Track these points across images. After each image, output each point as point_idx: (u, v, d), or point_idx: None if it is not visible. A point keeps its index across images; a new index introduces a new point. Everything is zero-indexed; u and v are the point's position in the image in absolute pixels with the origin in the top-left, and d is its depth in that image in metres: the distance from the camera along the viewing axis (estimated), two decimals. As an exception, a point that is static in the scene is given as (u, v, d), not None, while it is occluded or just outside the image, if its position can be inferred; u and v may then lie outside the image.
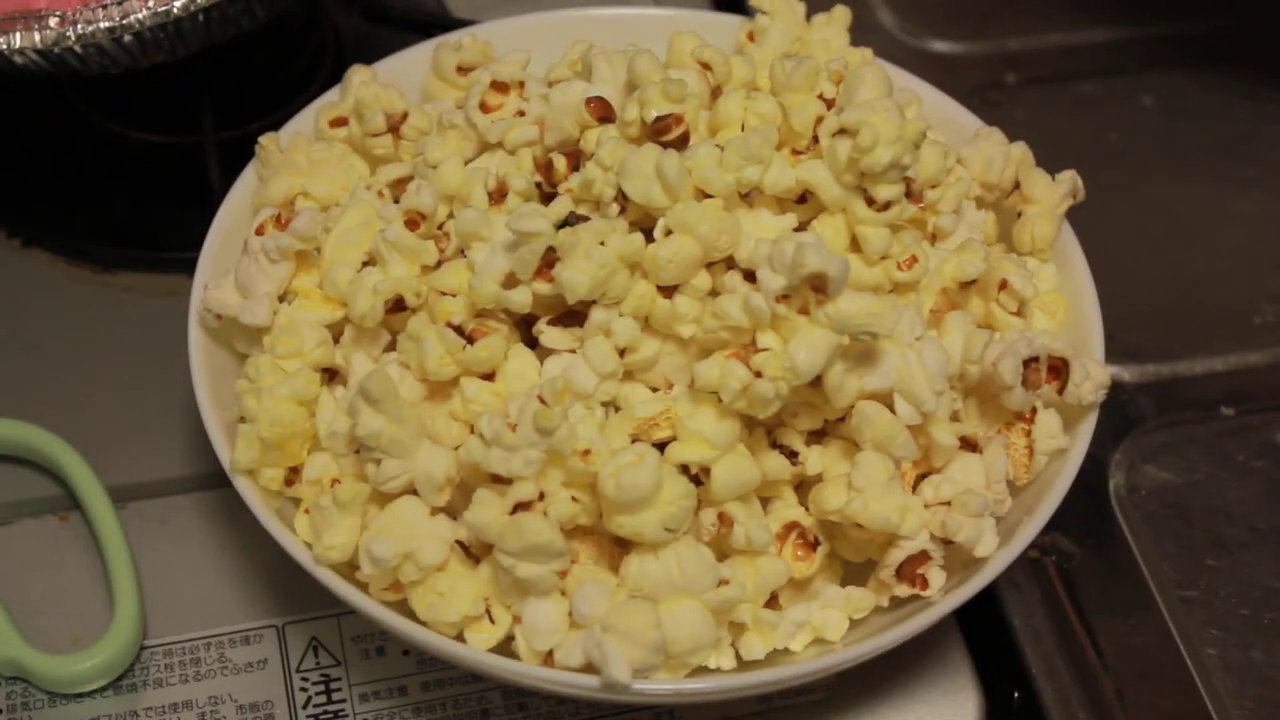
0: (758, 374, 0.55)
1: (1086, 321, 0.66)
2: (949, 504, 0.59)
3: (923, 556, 0.59)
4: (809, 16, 0.73)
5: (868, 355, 0.58)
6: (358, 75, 0.71)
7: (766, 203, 0.62)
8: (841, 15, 0.73)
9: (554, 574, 0.56)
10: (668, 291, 0.59)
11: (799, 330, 0.55)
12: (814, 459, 0.61)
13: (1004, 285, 0.64)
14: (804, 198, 0.62)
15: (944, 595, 0.59)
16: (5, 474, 0.73)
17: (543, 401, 0.55)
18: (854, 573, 0.63)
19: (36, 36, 0.72)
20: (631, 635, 0.54)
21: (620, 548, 0.59)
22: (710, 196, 0.59)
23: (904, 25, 1.00)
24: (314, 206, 0.66)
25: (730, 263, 0.60)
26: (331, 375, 0.64)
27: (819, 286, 0.54)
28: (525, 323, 0.61)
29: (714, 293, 0.60)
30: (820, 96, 0.62)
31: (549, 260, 0.58)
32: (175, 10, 0.72)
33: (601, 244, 0.57)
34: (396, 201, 0.64)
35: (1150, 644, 0.70)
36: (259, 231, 0.64)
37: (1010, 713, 0.69)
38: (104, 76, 0.80)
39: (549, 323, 0.60)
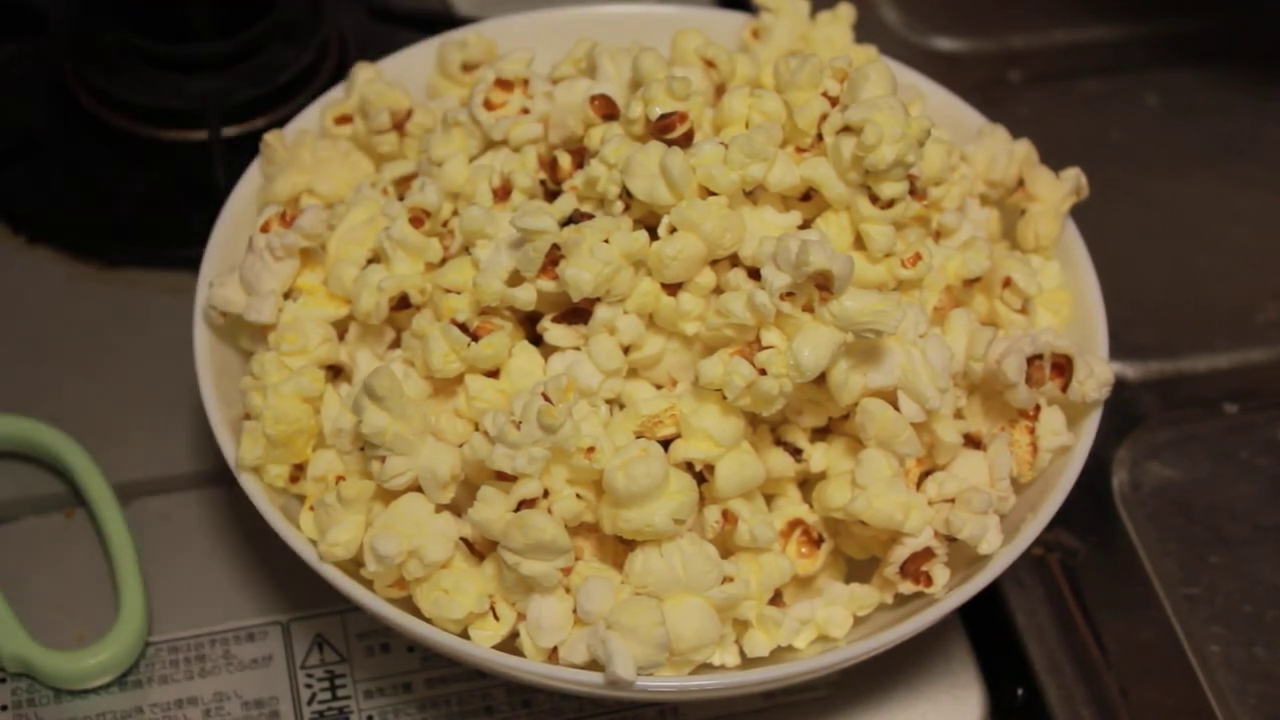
0: (762, 371, 0.55)
1: (1090, 319, 0.67)
2: (953, 501, 0.59)
3: (927, 554, 0.59)
4: (813, 14, 0.73)
5: (871, 353, 0.58)
6: (362, 73, 0.71)
7: (770, 200, 0.62)
8: (845, 13, 0.73)
9: (558, 571, 0.56)
10: (672, 289, 0.59)
11: (803, 328, 0.55)
12: (818, 456, 0.61)
13: (1008, 283, 0.64)
14: (808, 195, 0.62)
15: (948, 592, 0.59)
16: (10, 471, 0.73)
17: (547, 399, 0.55)
18: (858, 570, 0.63)
19: None
20: (636, 632, 0.54)
21: (624, 545, 0.59)
22: (714, 194, 0.59)
23: (908, 23, 1.00)
24: (319, 204, 0.66)
25: (734, 260, 0.60)
26: (336, 372, 0.64)
27: (824, 284, 0.55)
28: (530, 320, 0.61)
29: (718, 290, 0.60)
30: (824, 94, 0.62)
31: (553, 258, 0.58)
32: None
33: (606, 242, 0.58)
34: (401, 199, 0.64)
35: (1153, 641, 0.70)
36: (264, 229, 0.64)
37: (1014, 709, 0.69)
38: (110, 72, 0.80)
39: (553, 320, 0.60)
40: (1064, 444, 0.62)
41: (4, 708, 0.65)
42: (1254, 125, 0.96)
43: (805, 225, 0.62)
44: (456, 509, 0.59)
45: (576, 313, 0.60)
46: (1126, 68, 0.99)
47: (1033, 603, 0.71)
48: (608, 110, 0.63)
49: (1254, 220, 0.90)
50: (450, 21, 0.91)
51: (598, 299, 0.58)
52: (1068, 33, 1.01)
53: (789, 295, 0.55)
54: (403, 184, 0.68)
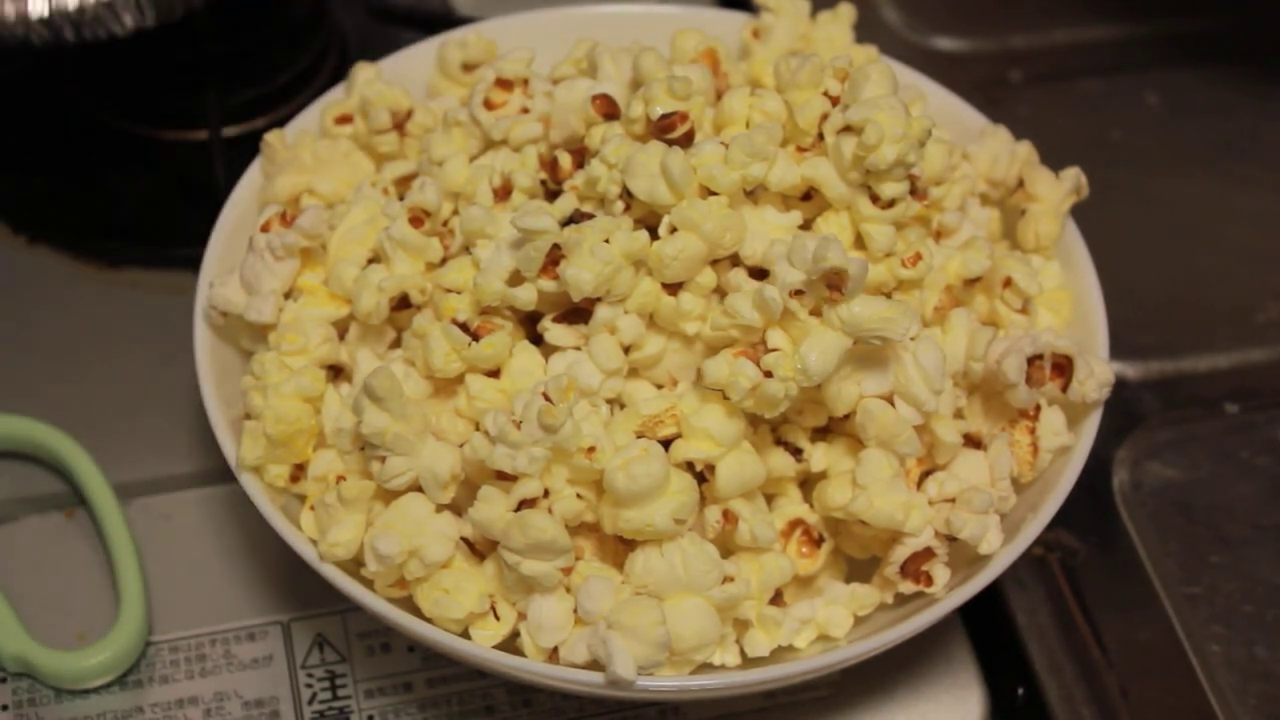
0: (768, 374, 0.55)
1: (1090, 319, 0.67)
2: (953, 501, 0.59)
3: (927, 553, 0.59)
4: (813, 14, 0.73)
5: (865, 358, 0.58)
6: (363, 73, 0.71)
7: (771, 200, 0.62)
8: (846, 13, 0.73)
9: (558, 571, 0.56)
10: (672, 289, 0.59)
11: (811, 332, 0.55)
12: (818, 456, 0.61)
13: (1008, 282, 0.64)
14: (809, 195, 0.62)
15: (948, 592, 0.59)
16: (11, 470, 0.73)
17: (547, 398, 0.55)
18: (858, 569, 0.63)
19: (30, 6, 0.72)
20: (636, 632, 0.54)
21: (624, 545, 0.59)
22: (715, 194, 0.59)
23: (908, 23, 1.00)
24: (319, 204, 0.66)
25: (735, 260, 0.60)
26: (337, 372, 0.64)
27: (835, 284, 0.54)
28: (530, 320, 0.61)
29: (718, 290, 0.60)
30: (825, 94, 0.62)
31: (554, 257, 0.58)
32: None
33: (606, 241, 0.58)
34: (402, 199, 0.64)
35: (1154, 640, 0.70)
36: (264, 229, 0.64)
37: (1014, 709, 0.69)
38: (110, 72, 0.80)
39: (554, 320, 0.60)
40: (1064, 444, 0.62)
41: (4, 707, 0.65)
42: (1254, 125, 0.96)
43: (806, 225, 0.62)
44: (457, 509, 0.59)
45: (577, 312, 0.60)
46: (1127, 68, 0.99)
47: (1033, 602, 0.71)
48: (609, 110, 0.63)
49: (1254, 220, 0.90)
50: (450, 21, 0.91)
51: (598, 299, 0.58)
52: (1068, 33, 1.01)
53: (798, 294, 0.55)
54: (403, 184, 0.68)
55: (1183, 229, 0.89)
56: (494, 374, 0.60)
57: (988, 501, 0.59)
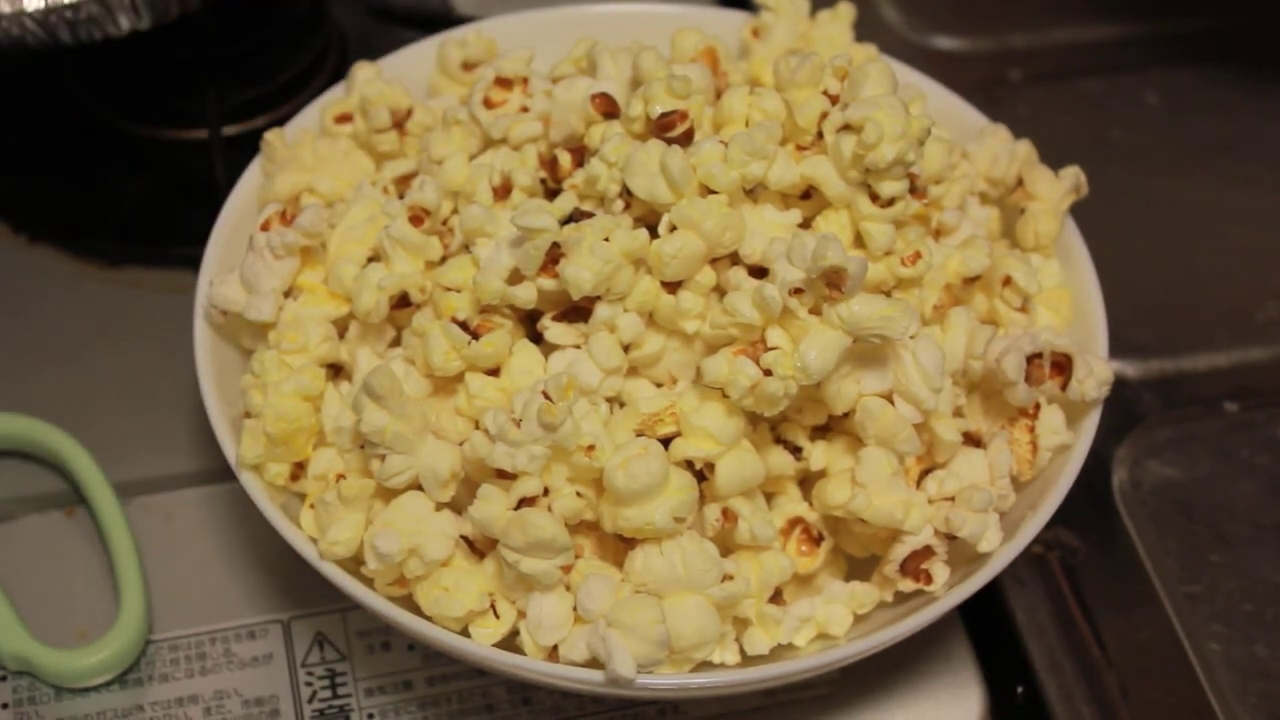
0: (767, 372, 0.55)
1: (1090, 317, 0.67)
2: (953, 499, 0.59)
3: (926, 552, 0.59)
4: (813, 13, 0.73)
5: (865, 356, 0.58)
6: (362, 72, 0.72)
7: (771, 199, 0.62)
8: (846, 12, 0.73)
9: (558, 569, 0.56)
10: (672, 287, 0.59)
11: (811, 330, 0.55)
12: (818, 454, 0.61)
13: (1008, 281, 0.65)
14: (808, 194, 0.62)
15: (948, 590, 0.59)
16: (11, 469, 0.73)
17: (547, 397, 0.55)
18: (858, 568, 0.63)
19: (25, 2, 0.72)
20: (636, 630, 0.54)
21: (624, 543, 0.59)
22: (714, 192, 0.59)
23: (908, 22, 1.00)
24: (319, 202, 0.66)
25: (734, 259, 0.60)
26: (337, 371, 0.64)
27: (835, 283, 0.54)
28: (530, 318, 0.61)
29: (718, 289, 0.60)
30: (825, 92, 0.62)
31: (553, 256, 0.58)
32: None
33: (606, 240, 0.58)
34: (401, 197, 0.64)
35: (1154, 639, 0.70)
36: (264, 228, 0.64)
37: (1014, 707, 0.69)
38: (110, 71, 0.80)
39: (554, 318, 0.60)
40: (1064, 442, 0.62)
41: (4, 706, 0.65)
42: (1254, 124, 0.96)
43: (805, 224, 0.62)
44: (457, 507, 0.59)
45: (577, 311, 0.60)
46: (1126, 67, 0.99)
47: (1033, 601, 0.71)
48: (608, 109, 0.63)
49: (1254, 218, 0.91)
50: (450, 20, 0.91)
51: (598, 297, 0.58)
52: (1068, 32, 1.01)
53: (797, 292, 0.55)
54: (403, 182, 0.68)
55: (1182, 228, 0.89)
56: (494, 372, 0.60)
57: (987, 500, 0.59)
